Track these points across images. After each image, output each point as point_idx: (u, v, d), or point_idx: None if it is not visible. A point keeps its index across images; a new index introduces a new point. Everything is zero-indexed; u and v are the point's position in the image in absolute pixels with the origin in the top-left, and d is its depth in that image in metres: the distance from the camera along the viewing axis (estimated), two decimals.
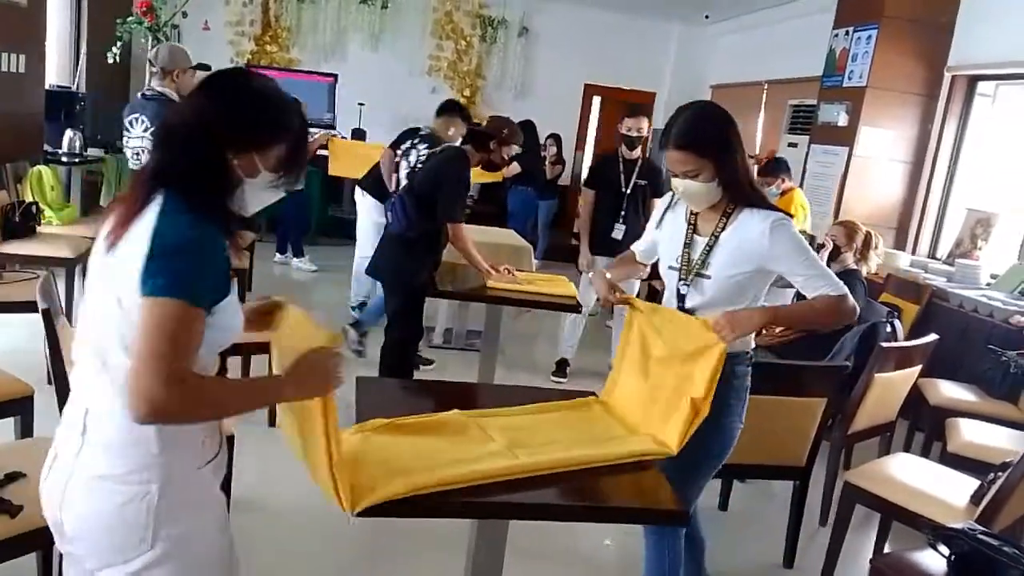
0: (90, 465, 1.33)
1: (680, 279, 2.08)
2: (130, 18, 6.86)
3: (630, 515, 1.76)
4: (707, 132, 1.95)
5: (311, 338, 1.44)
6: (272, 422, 3.21)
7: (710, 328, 1.88)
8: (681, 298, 2.08)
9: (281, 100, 1.40)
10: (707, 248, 2.03)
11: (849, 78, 5.75)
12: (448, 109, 4.76)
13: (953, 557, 2.10)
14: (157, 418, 1.25)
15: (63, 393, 2.12)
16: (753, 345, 2.11)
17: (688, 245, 2.08)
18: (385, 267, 3.67)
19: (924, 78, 5.56)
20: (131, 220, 1.29)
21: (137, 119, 3.64)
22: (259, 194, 1.41)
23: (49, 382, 2.32)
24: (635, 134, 4.61)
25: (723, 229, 2.01)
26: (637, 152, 4.67)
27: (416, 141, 4.50)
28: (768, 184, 5.29)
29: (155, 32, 6.99)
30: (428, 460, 1.61)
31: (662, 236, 2.19)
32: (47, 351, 2.12)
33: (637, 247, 2.39)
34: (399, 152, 4.58)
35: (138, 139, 3.61)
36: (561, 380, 4.81)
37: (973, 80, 5.51)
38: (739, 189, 1.98)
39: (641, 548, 2.23)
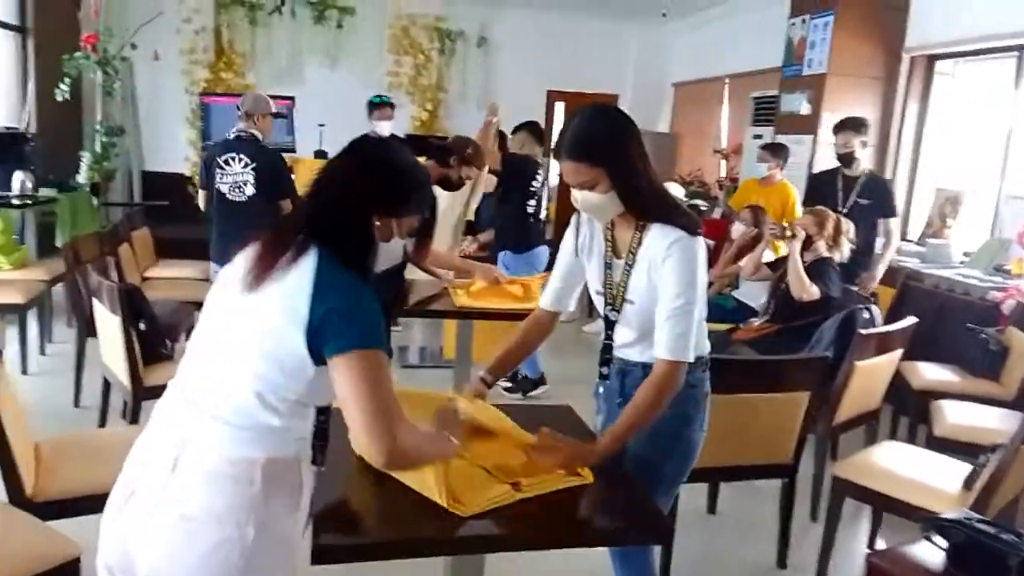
0: (180, 502, 1.28)
1: (606, 304, 1.92)
2: (77, 54, 6.70)
3: (609, 536, 1.65)
4: (597, 139, 1.76)
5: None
6: None
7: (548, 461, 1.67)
8: (610, 325, 1.93)
9: (423, 176, 1.54)
10: (626, 270, 1.86)
11: (808, 66, 5.73)
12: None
13: (951, 548, 2.03)
14: (394, 462, 1.36)
15: (1, 448, 1.98)
16: (708, 348, 1.96)
17: (609, 267, 1.91)
18: None
19: (883, 61, 5.55)
20: (278, 264, 1.33)
21: (234, 157, 4.06)
22: (385, 257, 1.50)
23: None
24: (842, 151, 4.28)
25: (638, 247, 1.83)
26: (857, 169, 4.32)
27: None
28: (762, 161, 5.26)
29: (104, 66, 6.83)
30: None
31: (585, 259, 1.99)
32: None
33: (544, 297, 2.10)
34: None
35: (237, 174, 4.05)
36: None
37: (931, 60, 5.51)
38: (643, 200, 1.79)
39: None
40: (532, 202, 4.52)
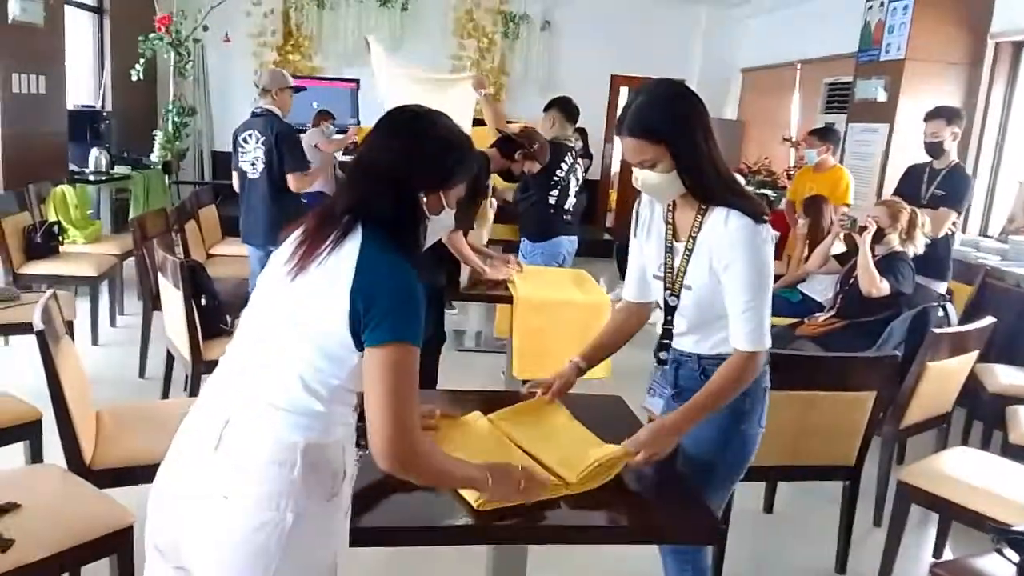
0: (222, 482, 1.28)
1: (666, 288, 1.85)
2: (152, 35, 6.88)
3: (656, 533, 1.60)
4: (660, 115, 1.68)
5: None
6: None
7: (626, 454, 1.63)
8: (670, 310, 1.86)
9: (467, 141, 1.45)
10: (687, 254, 1.78)
11: (887, 51, 5.48)
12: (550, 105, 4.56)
13: (1023, 562, 1.91)
14: (401, 465, 1.29)
15: (62, 416, 2.04)
16: (768, 342, 1.85)
17: (669, 250, 1.84)
18: None
19: (966, 46, 5.27)
20: (323, 248, 1.31)
21: (251, 135, 4.13)
22: (435, 230, 1.44)
23: None
24: (930, 140, 4.02)
25: (698, 231, 1.75)
26: (943, 161, 4.05)
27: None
28: (810, 147, 5.03)
29: (177, 47, 7.00)
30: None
31: (644, 241, 1.92)
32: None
33: (627, 289, 2.04)
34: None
35: (252, 151, 4.13)
36: None
37: (1018, 46, 5.21)
38: (706, 181, 1.71)
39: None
40: (555, 192, 4.21)
